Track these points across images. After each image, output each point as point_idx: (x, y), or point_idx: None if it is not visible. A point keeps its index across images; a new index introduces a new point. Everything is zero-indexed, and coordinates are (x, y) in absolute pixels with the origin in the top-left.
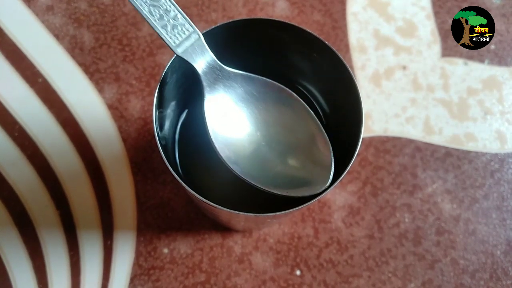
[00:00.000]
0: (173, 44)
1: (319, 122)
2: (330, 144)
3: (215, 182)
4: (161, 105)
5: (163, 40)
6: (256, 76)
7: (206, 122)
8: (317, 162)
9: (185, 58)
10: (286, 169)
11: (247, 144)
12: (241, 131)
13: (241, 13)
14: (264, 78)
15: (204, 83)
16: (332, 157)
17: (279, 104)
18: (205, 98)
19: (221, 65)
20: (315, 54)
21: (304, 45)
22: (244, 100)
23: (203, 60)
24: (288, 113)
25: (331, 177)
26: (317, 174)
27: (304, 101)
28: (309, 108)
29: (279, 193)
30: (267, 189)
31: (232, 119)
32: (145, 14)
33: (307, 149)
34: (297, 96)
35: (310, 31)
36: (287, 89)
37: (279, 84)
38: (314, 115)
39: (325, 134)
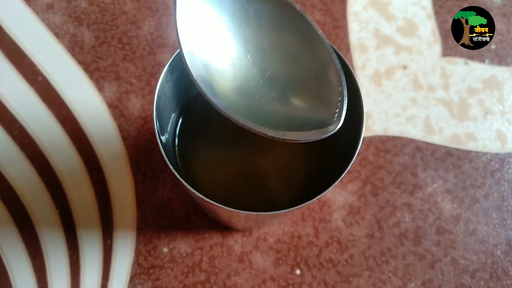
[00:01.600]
0: None
1: (331, 49)
2: (343, 76)
3: (215, 181)
4: (161, 104)
5: None
6: None
7: (178, 37)
8: (325, 98)
9: None
10: (284, 105)
11: (233, 70)
12: (227, 53)
13: None
14: None
15: None
16: (345, 93)
17: (279, 23)
18: (176, 4)
19: None
20: None
21: None
22: (231, 15)
23: None
24: (290, 34)
25: (343, 115)
26: (324, 112)
27: None
28: (320, 31)
29: (274, 135)
30: (258, 129)
31: (215, 37)
32: None
33: (313, 81)
34: (305, 14)
35: None
36: (292, 3)
37: None
38: (326, 39)
39: (337, 63)
